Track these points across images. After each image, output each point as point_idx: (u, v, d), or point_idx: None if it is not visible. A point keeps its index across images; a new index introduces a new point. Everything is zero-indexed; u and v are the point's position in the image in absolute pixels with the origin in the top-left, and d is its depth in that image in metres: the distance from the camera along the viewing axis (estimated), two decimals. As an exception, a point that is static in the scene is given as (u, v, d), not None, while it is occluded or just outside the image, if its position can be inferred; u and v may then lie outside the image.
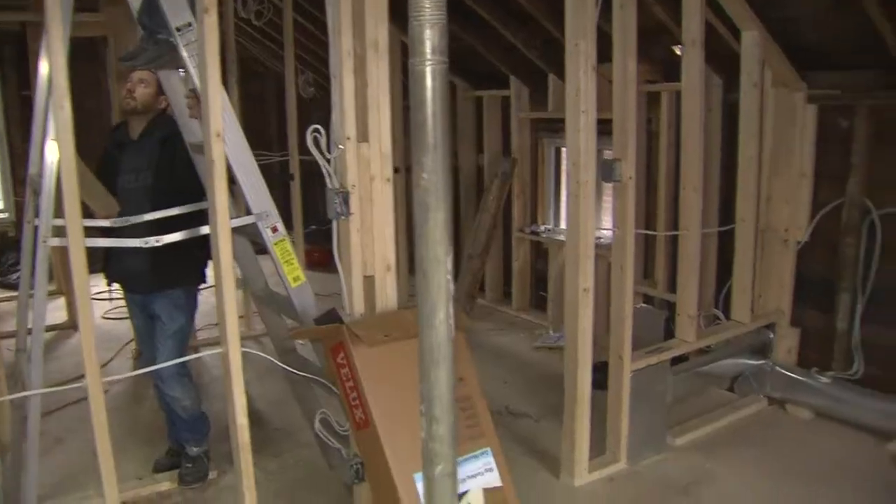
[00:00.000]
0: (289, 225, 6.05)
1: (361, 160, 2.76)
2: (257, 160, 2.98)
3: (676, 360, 4.27)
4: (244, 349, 2.70)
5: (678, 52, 4.19)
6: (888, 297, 4.26)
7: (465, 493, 2.68)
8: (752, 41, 4.16)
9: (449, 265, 1.40)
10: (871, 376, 4.31)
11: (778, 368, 4.50)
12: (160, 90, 3.48)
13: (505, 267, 6.65)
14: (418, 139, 1.37)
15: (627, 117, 3.52)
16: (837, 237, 4.39)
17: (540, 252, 6.34)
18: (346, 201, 2.74)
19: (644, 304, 5.16)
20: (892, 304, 4.24)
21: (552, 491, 3.69)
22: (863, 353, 4.35)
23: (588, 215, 3.41)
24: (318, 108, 2.79)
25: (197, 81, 2.75)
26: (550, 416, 4.26)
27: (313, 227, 6.62)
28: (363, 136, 2.76)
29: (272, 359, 3.20)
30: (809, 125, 4.40)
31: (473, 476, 2.74)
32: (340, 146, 2.75)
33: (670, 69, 4.77)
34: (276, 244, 2.98)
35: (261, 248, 3.14)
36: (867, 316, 4.34)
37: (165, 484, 3.76)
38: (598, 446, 3.85)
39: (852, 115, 4.27)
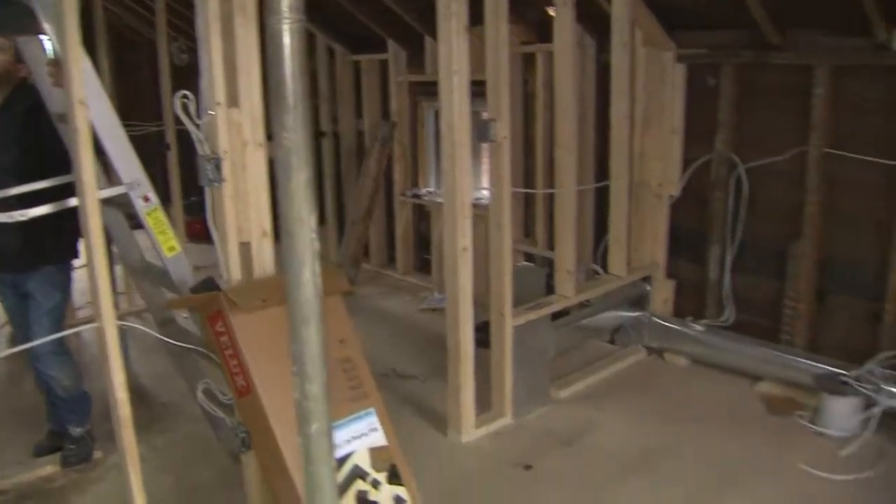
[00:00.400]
0: (167, 197, 5.96)
1: (232, 126, 2.72)
2: (132, 131, 2.90)
3: (558, 315, 4.38)
4: (122, 323, 2.64)
5: (552, 14, 4.25)
6: (755, 247, 4.45)
7: (351, 453, 2.70)
8: (622, 2, 4.25)
9: (313, 224, 1.40)
10: (742, 323, 4.53)
11: (655, 319, 4.67)
12: (18, 58, 3.34)
13: (389, 231, 6.65)
14: (277, 99, 1.36)
15: (500, 78, 3.56)
16: (707, 191, 4.56)
17: (423, 215, 6.37)
18: (217, 168, 2.69)
19: (525, 263, 5.26)
20: (758, 254, 4.45)
21: (440, 448, 3.75)
22: (733, 302, 4.55)
23: (464, 175, 3.44)
24: (195, 74, 2.73)
25: (57, 47, 2.65)
26: (437, 377, 4.30)
27: (193, 198, 6.48)
28: (233, 101, 2.71)
29: (150, 331, 3.14)
30: (679, 84, 4.54)
31: (359, 436, 2.76)
32: (210, 112, 2.70)
33: (544, 31, 4.83)
34: (148, 214, 2.92)
35: (137, 223, 3.07)
36: (737, 266, 4.54)
37: (48, 468, 3.65)
38: (485, 403, 3.93)
39: (719, 74, 4.43)
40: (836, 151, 4.09)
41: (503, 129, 3.59)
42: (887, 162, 3.91)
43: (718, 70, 4.43)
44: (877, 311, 4.06)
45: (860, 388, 3.82)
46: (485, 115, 3.70)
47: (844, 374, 3.90)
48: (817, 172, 4.13)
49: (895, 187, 3.91)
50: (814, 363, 4.07)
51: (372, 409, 2.82)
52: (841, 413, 3.82)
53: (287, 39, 1.35)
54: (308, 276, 1.41)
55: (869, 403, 3.80)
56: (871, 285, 4.07)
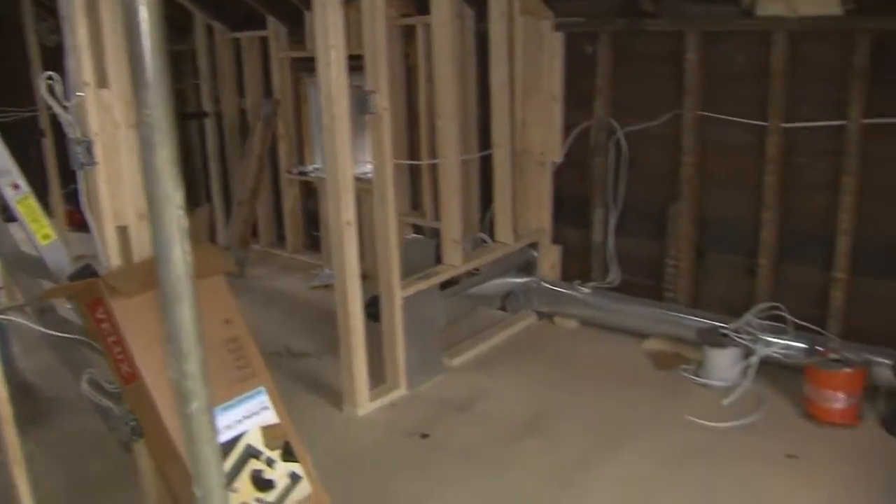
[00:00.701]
0: (45, 186, 5.76)
1: (103, 107, 2.64)
2: (4, 116, 2.80)
3: (447, 285, 4.41)
4: (1, 317, 2.56)
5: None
6: (637, 209, 4.57)
7: (243, 433, 2.68)
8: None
9: (179, 201, 1.37)
10: (627, 283, 4.67)
11: (543, 284, 4.76)
12: None
13: (276, 210, 6.56)
14: (137, 75, 1.33)
15: (378, 50, 3.54)
16: (588, 157, 4.65)
17: (310, 192, 6.31)
18: (89, 151, 2.62)
19: (415, 235, 5.28)
20: (640, 216, 4.57)
21: (336, 423, 3.76)
22: (618, 263, 4.67)
23: (344, 149, 3.43)
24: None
25: None
26: (332, 353, 4.27)
27: (73, 186, 6.27)
28: (102, 81, 2.64)
29: (28, 323, 3.05)
30: (557, 52, 4.61)
31: (250, 416, 2.74)
32: (79, 93, 2.62)
33: (424, 3, 4.82)
34: (19, 202, 2.83)
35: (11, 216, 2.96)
36: (620, 228, 4.66)
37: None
38: (379, 376, 3.95)
39: (596, 42, 4.51)
40: (709, 114, 4.23)
41: (383, 101, 3.58)
42: (757, 122, 4.07)
43: (596, 38, 4.51)
44: (752, 266, 4.24)
45: (739, 340, 3.98)
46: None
47: (724, 327, 4.07)
48: (692, 135, 4.26)
49: (765, 147, 4.07)
50: (696, 318, 4.23)
51: (262, 388, 2.80)
52: (722, 364, 3.97)
53: (144, 13, 1.32)
54: (178, 254, 1.39)
55: (748, 353, 3.97)
56: (745, 242, 4.24)
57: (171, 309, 1.46)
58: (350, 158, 3.49)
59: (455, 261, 4.22)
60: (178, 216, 1.37)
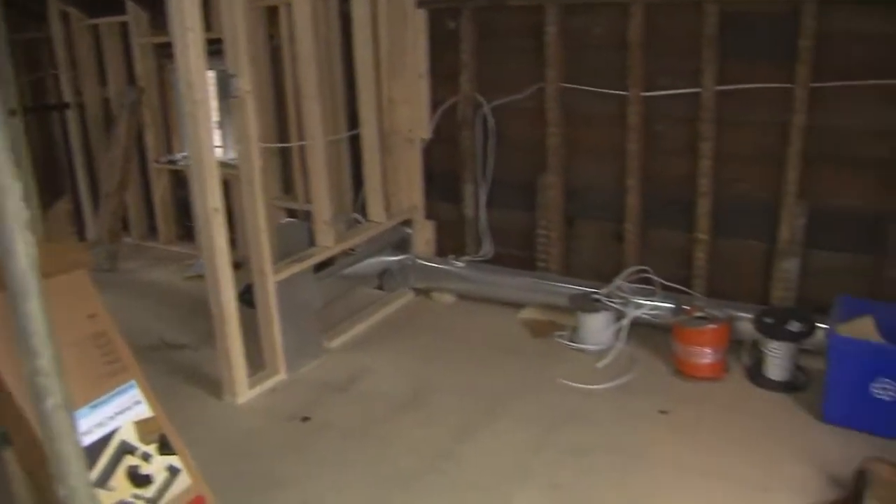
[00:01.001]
0: None
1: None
2: None
3: (324, 267, 4.39)
4: None
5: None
6: (506, 182, 4.66)
7: (116, 429, 2.63)
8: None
9: (18, 192, 1.34)
10: (501, 255, 4.76)
11: (419, 260, 4.81)
12: None
13: (147, 201, 6.39)
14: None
15: (237, 32, 3.49)
16: (457, 132, 4.70)
17: (180, 181, 6.15)
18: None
19: (289, 219, 5.23)
20: (510, 189, 4.65)
21: (215, 412, 3.71)
22: (491, 236, 4.75)
23: (207, 135, 3.37)
24: None
25: None
26: (209, 343, 4.21)
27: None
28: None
29: None
30: (421, 28, 4.63)
31: (122, 411, 2.69)
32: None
33: (283, -18, 4.78)
34: None
35: None
36: (491, 202, 4.73)
37: None
38: (258, 363, 3.91)
39: (459, 17, 4.54)
40: (571, 85, 4.33)
41: (245, 84, 3.53)
42: (618, 92, 4.19)
43: (458, 13, 4.55)
44: (619, 232, 4.37)
45: (610, 304, 4.12)
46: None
47: (596, 293, 4.19)
48: (556, 107, 4.37)
49: (626, 116, 4.19)
50: (569, 286, 4.34)
51: (133, 382, 2.75)
52: (595, 328, 4.10)
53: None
54: (20, 247, 1.35)
55: (619, 316, 4.10)
56: (612, 209, 4.38)
57: (19, 304, 1.42)
58: (212, 144, 3.44)
59: (327, 242, 4.20)
60: (18, 207, 1.34)
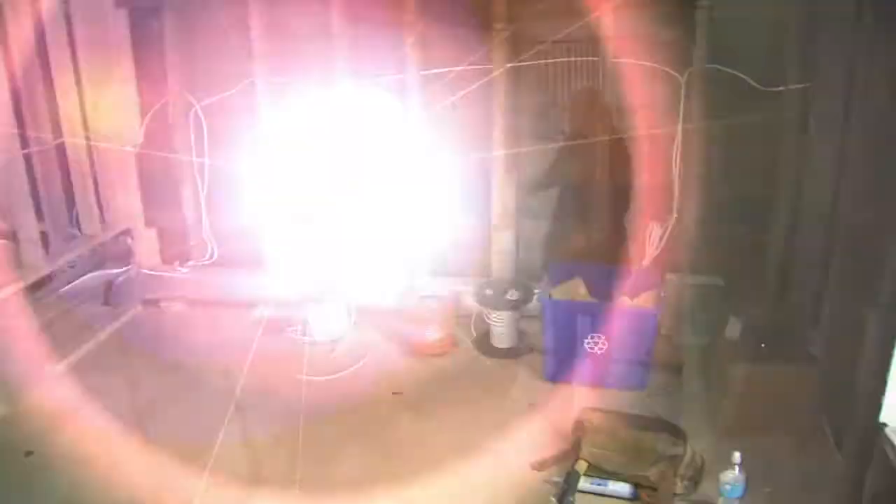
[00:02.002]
0: None
1: None
2: None
3: (40, 287, 4.15)
4: None
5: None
6: (222, 182, 4.56)
7: None
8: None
9: None
10: (224, 257, 4.67)
11: (144, 271, 4.67)
12: None
13: None
14: None
15: None
16: (170, 134, 4.56)
17: None
18: None
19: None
20: (231, 188, 4.57)
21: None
22: (214, 239, 4.65)
23: None
24: None
25: None
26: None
27: None
28: None
29: None
30: (123, 30, 4.43)
31: None
32: None
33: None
34: None
35: None
36: (211, 203, 4.63)
37: None
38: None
39: (162, 18, 4.40)
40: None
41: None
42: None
43: (160, 12, 4.41)
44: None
45: (338, 297, 4.18)
46: None
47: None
48: (268, 101, 4.33)
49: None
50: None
51: None
52: (324, 320, 4.14)
53: None
54: None
55: (349, 308, 4.18)
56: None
57: None
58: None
59: (36, 261, 3.96)
60: None
